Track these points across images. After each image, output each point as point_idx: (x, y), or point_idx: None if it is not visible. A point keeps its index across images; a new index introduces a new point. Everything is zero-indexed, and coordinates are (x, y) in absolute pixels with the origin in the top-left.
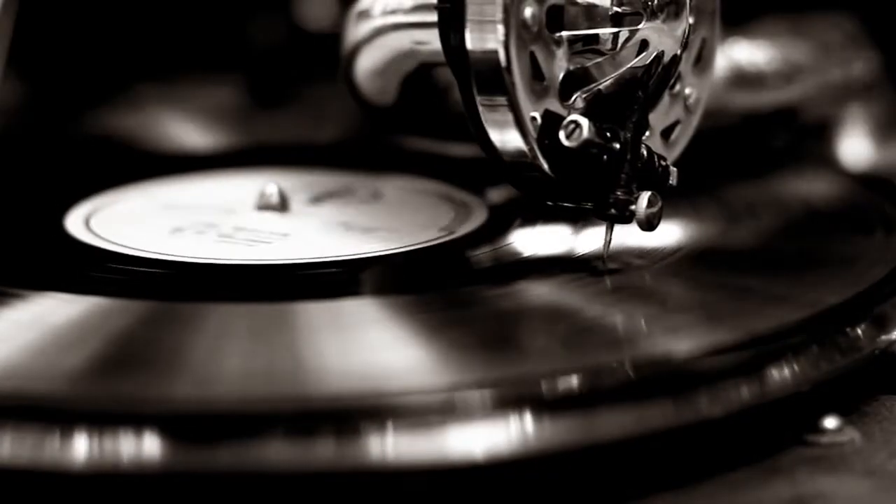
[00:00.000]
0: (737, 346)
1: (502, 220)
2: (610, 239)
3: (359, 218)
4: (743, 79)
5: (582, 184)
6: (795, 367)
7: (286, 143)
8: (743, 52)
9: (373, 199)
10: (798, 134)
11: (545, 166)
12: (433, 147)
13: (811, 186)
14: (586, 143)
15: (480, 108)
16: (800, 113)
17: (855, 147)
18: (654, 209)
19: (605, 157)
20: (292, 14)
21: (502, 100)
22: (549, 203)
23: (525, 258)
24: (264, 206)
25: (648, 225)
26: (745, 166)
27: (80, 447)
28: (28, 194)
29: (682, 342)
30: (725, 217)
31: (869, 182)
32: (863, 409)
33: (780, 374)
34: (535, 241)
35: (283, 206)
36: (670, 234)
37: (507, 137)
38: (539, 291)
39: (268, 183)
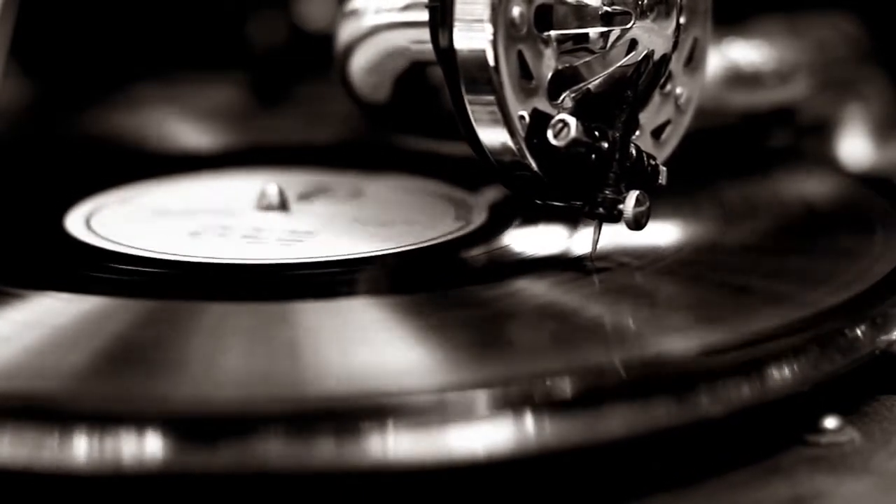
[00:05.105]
0: (737, 345)
1: (500, 219)
2: (598, 238)
3: (358, 218)
4: (740, 78)
5: (571, 183)
6: (795, 367)
7: (286, 143)
8: (740, 52)
9: (372, 199)
10: (797, 133)
11: (533, 165)
12: (430, 146)
13: (810, 186)
14: (574, 143)
15: (469, 107)
16: (798, 112)
17: (854, 146)
18: (643, 208)
19: (593, 156)
20: (292, 14)
21: (490, 99)
22: (539, 202)
23: (523, 257)
24: (264, 207)
25: (636, 224)
26: (744, 166)
27: (80, 447)
28: (28, 194)
29: (681, 342)
30: (725, 216)
31: (869, 182)
32: (863, 409)
33: (780, 373)
34: (531, 240)
35: (282, 205)
36: (669, 233)
37: (495, 136)
38: (538, 291)
39: (268, 183)
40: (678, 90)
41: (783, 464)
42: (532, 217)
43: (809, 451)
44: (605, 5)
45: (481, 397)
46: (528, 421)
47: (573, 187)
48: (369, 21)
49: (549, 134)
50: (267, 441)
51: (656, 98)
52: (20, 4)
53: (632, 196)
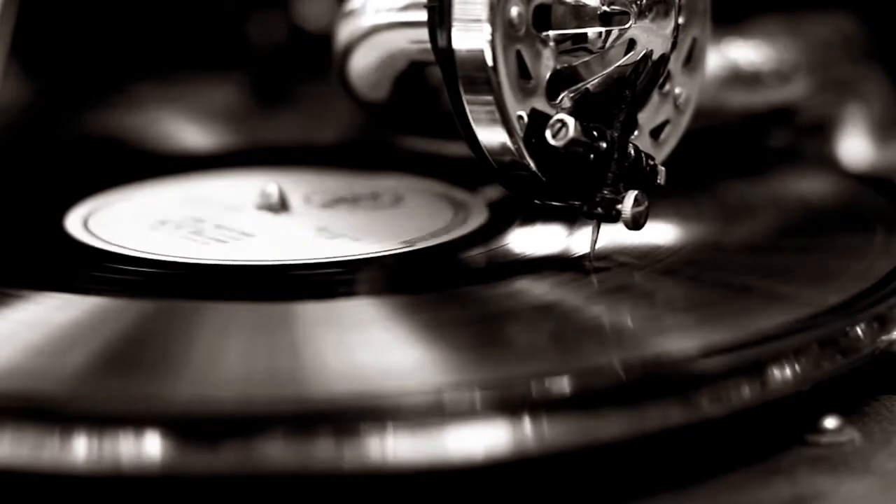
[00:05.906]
0: (737, 345)
1: (499, 220)
2: (596, 238)
3: (356, 217)
4: (740, 78)
5: (569, 183)
6: (796, 367)
7: (286, 143)
8: (739, 52)
9: (372, 200)
10: (797, 133)
11: (532, 165)
12: (429, 146)
13: (810, 186)
14: (572, 142)
15: (467, 107)
16: (798, 112)
17: (854, 146)
18: (641, 208)
19: (591, 156)
20: (292, 14)
21: (489, 99)
22: (538, 202)
23: (522, 258)
24: (265, 207)
25: (635, 224)
26: (744, 165)
27: (80, 448)
28: (28, 194)
29: (682, 342)
30: (725, 216)
31: (869, 181)
32: (863, 409)
33: (781, 373)
34: (531, 240)
35: (282, 206)
36: (670, 233)
37: (493, 136)
38: (537, 292)
39: (268, 183)
40: (677, 90)
41: (783, 464)
42: (531, 217)
43: (810, 451)
44: (603, 5)
45: (481, 398)
46: (528, 422)
47: (571, 187)
48: (368, 21)
49: (548, 134)
50: (266, 442)
51: (655, 98)
52: (20, 4)
53: (630, 196)
